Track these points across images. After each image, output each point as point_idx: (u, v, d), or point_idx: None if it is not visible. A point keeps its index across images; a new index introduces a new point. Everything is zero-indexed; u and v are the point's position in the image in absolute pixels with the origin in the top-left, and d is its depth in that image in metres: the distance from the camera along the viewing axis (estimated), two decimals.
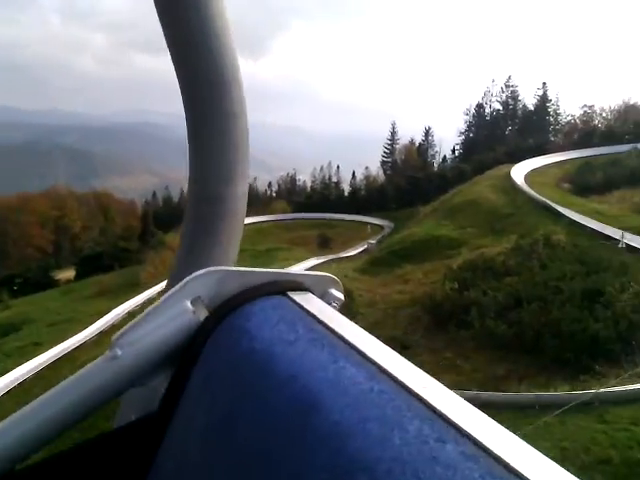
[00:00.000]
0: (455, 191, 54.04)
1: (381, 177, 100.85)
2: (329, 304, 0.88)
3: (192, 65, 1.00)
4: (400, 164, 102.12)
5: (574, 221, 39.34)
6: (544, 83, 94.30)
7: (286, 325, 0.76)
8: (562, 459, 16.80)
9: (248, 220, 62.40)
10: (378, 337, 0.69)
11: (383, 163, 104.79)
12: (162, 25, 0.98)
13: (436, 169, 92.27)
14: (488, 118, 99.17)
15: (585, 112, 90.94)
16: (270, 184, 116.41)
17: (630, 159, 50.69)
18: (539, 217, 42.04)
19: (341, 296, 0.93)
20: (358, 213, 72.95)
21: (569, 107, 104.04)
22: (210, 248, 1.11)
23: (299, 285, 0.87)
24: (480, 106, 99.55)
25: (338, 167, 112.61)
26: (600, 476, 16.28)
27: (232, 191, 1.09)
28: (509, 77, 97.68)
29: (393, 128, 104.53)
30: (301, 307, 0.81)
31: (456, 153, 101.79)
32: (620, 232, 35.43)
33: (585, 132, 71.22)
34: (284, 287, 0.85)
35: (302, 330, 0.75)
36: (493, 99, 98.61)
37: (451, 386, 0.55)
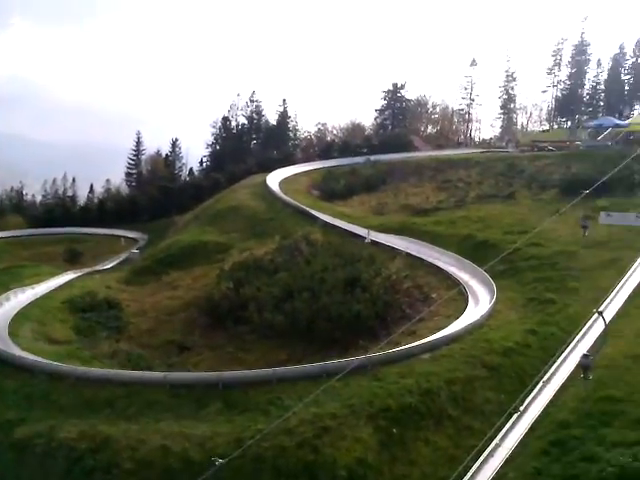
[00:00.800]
0: (216, 199, 56.34)
1: (125, 189, 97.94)
2: None
3: None
4: (147, 175, 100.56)
5: (327, 222, 44.73)
6: (284, 100, 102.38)
7: None
8: (351, 413, 19.93)
9: None
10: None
11: (128, 175, 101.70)
12: None
13: (184, 180, 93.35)
14: (234, 131, 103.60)
15: (319, 129, 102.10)
16: None
17: (365, 169, 59.41)
18: (296, 220, 46.61)
19: None
20: (107, 226, 70.21)
21: (306, 123, 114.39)
22: None
23: None
24: (226, 119, 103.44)
25: (74, 180, 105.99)
26: (383, 421, 19.81)
27: None
28: (253, 92, 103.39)
29: (138, 139, 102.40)
30: None
31: (204, 165, 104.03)
32: (365, 230, 41.60)
33: (326, 145, 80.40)
34: None
35: None
36: (239, 113, 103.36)
37: None
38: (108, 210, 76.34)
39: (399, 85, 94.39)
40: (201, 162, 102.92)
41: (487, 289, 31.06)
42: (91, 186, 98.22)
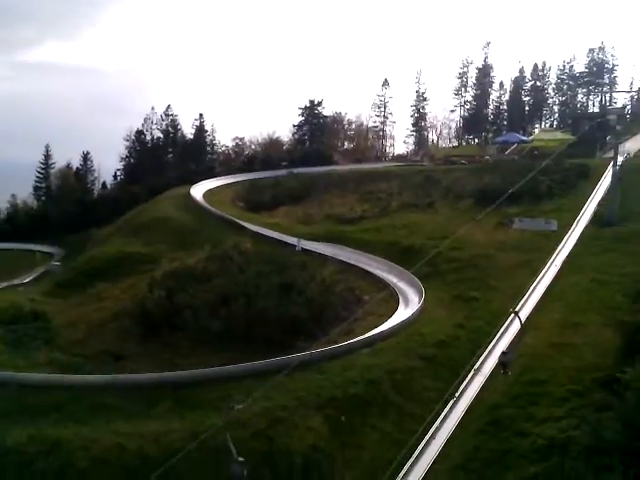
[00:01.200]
0: (138, 211, 55.67)
1: (34, 204, 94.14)
2: None
3: None
4: (56, 190, 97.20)
5: (256, 232, 45.59)
6: (201, 114, 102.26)
7: None
8: (301, 404, 20.92)
9: None
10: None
11: (36, 189, 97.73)
12: None
13: (101, 193, 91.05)
14: (149, 145, 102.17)
15: (237, 143, 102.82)
16: None
17: (289, 181, 60.91)
18: (224, 230, 47.08)
19: None
20: (19, 241, 67.30)
21: (224, 138, 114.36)
22: None
23: None
24: (141, 132, 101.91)
25: None
26: (332, 410, 20.95)
27: None
28: (169, 106, 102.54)
29: (47, 152, 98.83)
30: None
31: (118, 179, 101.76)
32: (295, 239, 42.84)
33: (248, 158, 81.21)
34: None
35: None
36: (154, 126, 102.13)
37: None
38: (20, 224, 73.24)
39: (316, 102, 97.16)
40: (115, 176, 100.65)
41: (415, 290, 33.11)
42: None
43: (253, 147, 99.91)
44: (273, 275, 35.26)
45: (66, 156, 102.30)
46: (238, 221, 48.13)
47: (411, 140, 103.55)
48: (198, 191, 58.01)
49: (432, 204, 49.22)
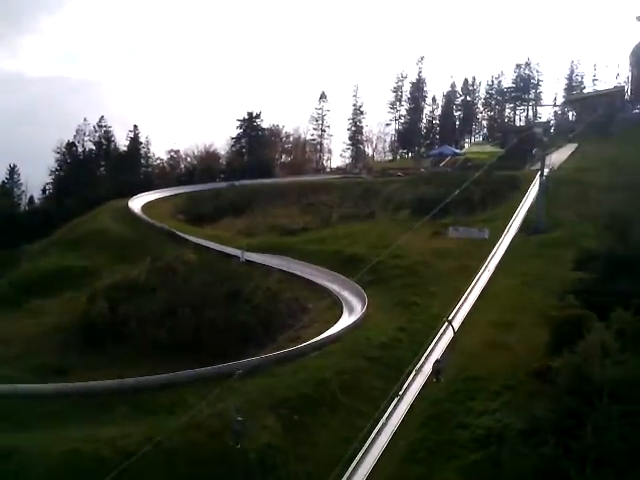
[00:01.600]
0: (73, 224, 54.80)
1: None
2: None
3: None
4: None
5: (199, 244, 45.98)
6: (135, 126, 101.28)
7: None
8: (253, 407, 21.74)
9: None
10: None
11: None
12: None
13: (30, 207, 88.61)
14: (81, 157, 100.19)
15: (172, 156, 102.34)
16: None
17: (230, 193, 61.57)
18: (165, 243, 47.16)
19: None
20: None
21: (158, 150, 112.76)
22: None
23: None
24: (72, 144, 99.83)
25: None
26: (285, 410, 21.92)
27: None
28: (102, 117, 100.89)
29: None
30: None
31: (47, 192, 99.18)
32: (239, 251, 43.48)
33: (187, 170, 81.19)
34: None
35: None
36: (86, 138, 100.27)
37: None
38: None
39: (254, 114, 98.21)
40: (44, 189, 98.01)
41: (359, 297, 34.52)
42: None
43: (189, 160, 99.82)
44: (218, 285, 35.85)
45: None
46: (179, 233, 48.38)
47: (348, 153, 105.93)
48: (136, 204, 57.72)
49: (372, 214, 51.09)
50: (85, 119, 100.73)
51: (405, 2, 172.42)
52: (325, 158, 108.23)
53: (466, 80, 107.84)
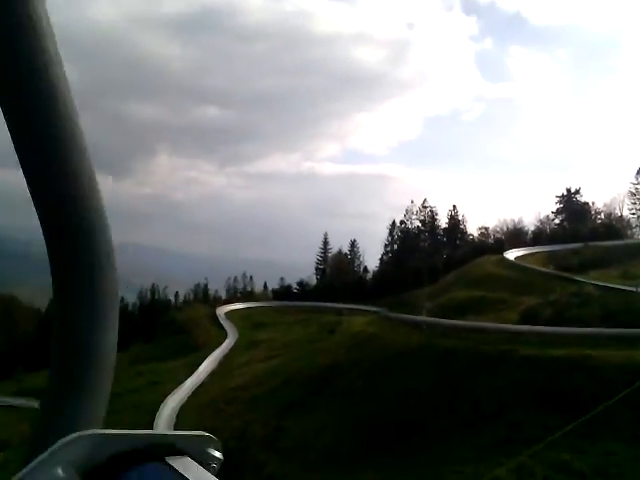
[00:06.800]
0: (462, 271, 72.37)
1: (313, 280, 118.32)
2: (208, 465, 0.98)
3: (58, 218, 0.99)
4: (329, 271, 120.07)
5: (585, 282, 58.15)
6: (454, 206, 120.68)
7: None
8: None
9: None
10: None
11: (317, 269, 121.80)
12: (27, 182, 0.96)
13: (372, 273, 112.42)
14: (411, 233, 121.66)
15: (482, 232, 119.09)
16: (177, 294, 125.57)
17: (586, 251, 73.57)
18: (554, 282, 60.42)
19: (220, 456, 1.00)
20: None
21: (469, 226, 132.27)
22: (78, 405, 1.04)
23: (175, 448, 0.95)
24: (402, 222, 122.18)
25: (251, 277, 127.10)
26: None
27: (102, 342, 1.06)
28: (425, 199, 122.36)
29: (325, 239, 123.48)
30: (179, 475, 0.88)
31: (382, 260, 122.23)
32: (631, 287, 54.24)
33: (535, 234, 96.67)
34: (160, 451, 0.92)
35: None
36: (413, 217, 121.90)
37: None
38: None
39: (573, 190, 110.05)
40: (381, 259, 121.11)
41: None
42: (265, 284, 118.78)
43: (497, 236, 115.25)
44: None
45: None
46: (567, 275, 61.09)
47: None
48: (510, 255, 73.34)
49: None
50: (412, 201, 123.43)
51: None
52: None
53: None
